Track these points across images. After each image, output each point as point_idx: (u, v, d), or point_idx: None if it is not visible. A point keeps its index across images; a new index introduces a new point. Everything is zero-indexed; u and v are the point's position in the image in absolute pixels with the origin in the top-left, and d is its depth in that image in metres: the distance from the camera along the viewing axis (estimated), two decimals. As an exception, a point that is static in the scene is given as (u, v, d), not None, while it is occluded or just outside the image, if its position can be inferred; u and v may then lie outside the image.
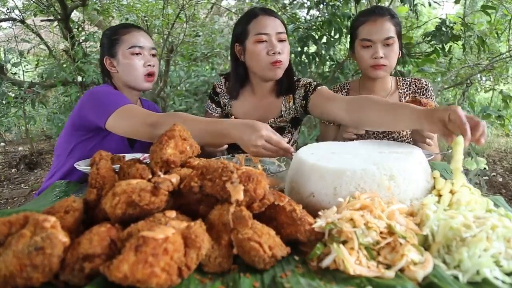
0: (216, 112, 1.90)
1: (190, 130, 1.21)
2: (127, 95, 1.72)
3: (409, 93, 1.83)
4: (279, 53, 1.60)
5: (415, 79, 1.87)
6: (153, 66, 1.70)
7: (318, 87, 1.68)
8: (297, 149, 2.05)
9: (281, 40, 1.63)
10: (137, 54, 1.66)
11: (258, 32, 1.60)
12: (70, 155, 1.69)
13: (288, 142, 1.85)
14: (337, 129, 1.91)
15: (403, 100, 1.82)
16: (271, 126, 1.77)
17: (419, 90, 1.83)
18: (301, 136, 3.52)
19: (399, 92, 1.85)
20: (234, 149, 1.88)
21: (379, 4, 3.18)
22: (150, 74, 1.69)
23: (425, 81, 1.85)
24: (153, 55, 1.73)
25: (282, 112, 1.79)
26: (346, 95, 1.88)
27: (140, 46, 1.66)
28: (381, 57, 1.69)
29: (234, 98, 1.84)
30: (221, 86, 1.88)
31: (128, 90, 1.74)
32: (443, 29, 2.77)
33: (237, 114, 1.83)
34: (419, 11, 4.03)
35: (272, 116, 1.80)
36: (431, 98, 1.81)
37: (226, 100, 1.87)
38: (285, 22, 1.73)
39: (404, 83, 1.86)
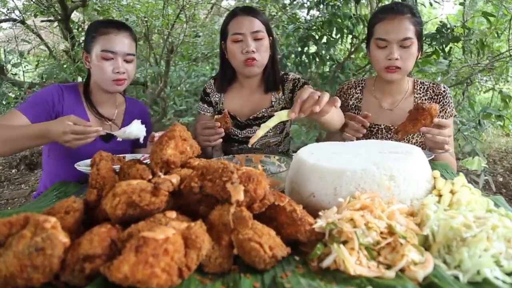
0: (208, 111, 1.95)
1: (8, 137, 1.40)
2: (100, 93, 1.73)
3: (425, 98, 1.73)
4: (253, 51, 1.66)
5: (433, 84, 1.76)
6: (123, 73, 1.63)
7: (305, 85, 1.79)
8: (290, 145, 2.09)
9: (257, 39, 1.68)
10: (109, 58, 1.61)
11: (234, 32, 1.68)
12: (49, 153, 1.75)
13: (281, 132, 1.90)
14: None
15: None
16: (263, 116, 1.84)
17: (436, 96, 1.72)
18: (301, 137, 3.52)
19: (414, 96, 1.75)
20: (227, 141, 1.91)
21: (380, 3, 3.18)
22: (118, 80, 1.64)
23: (444, 87, 1.74)
24: (128, 61, 1.66)
25: (273, 103, 1.86)
26: (360, 94, 1.85)
27: (112, 51, 1.60)
28: (396, 59, 1.58)
29: (223, 92, 1.90)
30: (211, 87, 1.94)
31: (100, 91, 1.72)
32: (443, 31, 2.76)
33: (229, 109, 1.87)
34: (419, 11, 4.03)
35: (263, 108, 1.86)
36: (449, 105, 1.71)
37: (217, 98, 1.93)
38: (268, 22, 1.76)
39: (421, 87, 1.76)
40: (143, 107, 2.01)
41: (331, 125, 1.52)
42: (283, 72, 1.91)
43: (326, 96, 1.18)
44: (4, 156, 1.49)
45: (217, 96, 1.92)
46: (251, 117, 1.86)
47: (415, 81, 1.80)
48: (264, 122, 1.82)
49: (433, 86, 1.75)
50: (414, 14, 1.63)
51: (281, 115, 1.25)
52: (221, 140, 1.61)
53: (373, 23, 1.68)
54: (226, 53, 1.78)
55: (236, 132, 1.89)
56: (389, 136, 1.77)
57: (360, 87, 1.87)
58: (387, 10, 1.64)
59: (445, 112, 1.71)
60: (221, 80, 1.88)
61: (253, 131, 1.87)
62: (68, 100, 1.68)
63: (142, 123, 1.53)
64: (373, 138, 1.79)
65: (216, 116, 1.62)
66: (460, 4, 3.33)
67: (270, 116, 1.83)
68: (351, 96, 1.87)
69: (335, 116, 1.48)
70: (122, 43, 1.63)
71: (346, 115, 1.59)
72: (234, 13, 1.72)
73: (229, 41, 1.71)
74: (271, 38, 1.76)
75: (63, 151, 1.69)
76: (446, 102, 1.72)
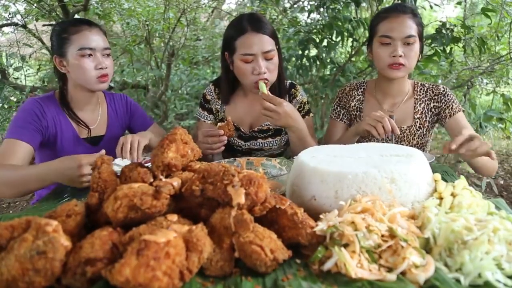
0: (208, 119, 1.89)
1: (13, 180, 1.33)
2: (81, 97, 1.67)
3: (425, 100, 1.74)
4: (264, 72, 1.61)
5: (432, 85, 1.77)
6: (106, 68, 1.59)
7: (307, 116, 1.82)
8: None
9: (268, 59, 1.62)
10: (88, 55, 1.55)
11: (244, 52, 1.60)
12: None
13: (285, 144, 1.88)
14: (345, 127, 1.90)
15: (418, 107, 1.74)
16: (268, 129, 1.82)
17: (435, 97, 1.73)
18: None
19: (414, 98, 1.76)
20: (231, 152, 1.90)
21: (380, 6, 3.20)
22: (103, 76, 1.58)
23: (443, 87, 1.74)
24: (107, 55, 1.61)
25: None
26: (362, 95, 1.85)
27: (90, 48, 1.54)
28: (400, 56, 1.60)
29: (226, 103, 1.85)
30: (211, 93, 1.88)
31: (81, 92, 1.65)
32: (443, 31, 2.77)
33: (231, 118, 1.79)
34: (420, 14, 4.04)
35: (266, 120, 1.78)
36: (453, 102, 1.70)
37: (218, 106, 1.87)
38: (275, 32, 1.70)
39: (421, 89, 1.76)
40: (124, 98, 1.92)
41: (296, 149, 1.56)
42: (290, 82, 1.86)
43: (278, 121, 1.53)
44: (12, 198, 1.45)
45: (218, 104, 1.87)
46: (256, 129, 1.83)
47: (416, 83, 1.80)
48: (269, 135, 1.84)
49: (432, 87, 1.76)
50: (416, 15, 1.66)
51: (263, 88, 1.55)
52: (223, 148, 1.57)
53: (376, 23, 1.70)
54: (232, 65, 1.71)
55: (239, 143, 1.86)
56: (389, 138, 1.77)
57: (362, 89, 1.87)
58: (391, 10, 1.69)
59: (451, 109, 1.70)
60: (225, 92, 1.82)
61: (257, 143, 1.84)
62: (49, 112, 1.61)
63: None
64: (373, 140, 1.78)
65: (219, 124, 1.58)
66: (458, 3, 3.33)
67: (275, 129, 1.83)
68: (353, 97, 1.87)
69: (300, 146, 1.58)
70: (97, 38, 1.57)
71: (373, 115, 1.48)
72: (243, 29, 1.61)
73: (237, 58, 1.63)
74: (277, 47, 1.69)
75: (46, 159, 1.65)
76: (447, 100, 1.72)
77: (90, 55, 1.55)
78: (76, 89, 1.64)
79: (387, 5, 3.41)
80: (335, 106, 1.93)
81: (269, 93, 1.55)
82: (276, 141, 1.85)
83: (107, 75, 1.60)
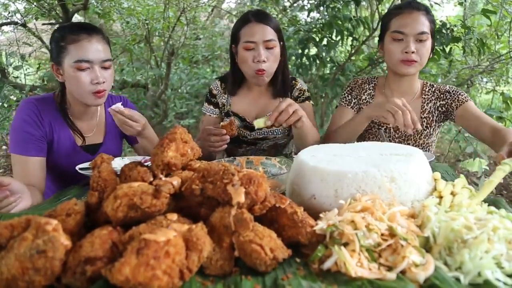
0: (214, 113, 1.96)
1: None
2: (79, 106, 1.59)
3: (433, 99, 1.74)
4: (264, 61, 1.67)
5: (440, 85, 1.77)
6: (103, 82, 1.48)
7: (307, 101, 1.88)
8: (293, 147, 2.09)
9: (268, 48, 1.69)
10: (85, 68, 1.45)
11: (246, 40, 1.69)
12: None
13: (289, 134, 1.93)
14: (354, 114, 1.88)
15: (426, 107, 1.74)
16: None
17: (442, 95, 1.72)
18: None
19: (422, 97, 1.76)
20: (237, 142, 1.92)
21: (380, 5, 3.19)
22: (98, 91, 1.48)
23: (449, 86, 1.75)
24: (106, 67, 1.50)
25: None
26: (373, 90, 1.86)
27: (88, 61, 1.44)
28: (413, 52, 1.60)
29: (232, 95, 1.92)
30: (217, 88, 1.95)
31: (78, 104, 1.58)
32: (443, 31, 2.77)
33: (236, 111, 1.91)
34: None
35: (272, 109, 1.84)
36: (459, 94, 1.68)
37: (224, 100, 1.93)
38: (279, 27, 1.77)
39: (430, 89, 1.76)
40: (125, 102, 1.80)
41: (302, 140, 1.60)
42: (291, 76, 1.92)
43: (300, 112, 1.45)
44: None
45: (224, 97, 1.93)
46: None
47: (425, 83, 1.80)
48: (274, 127, 1.86)
49: (439, 87, 1.76)
50: (429, 12, 1.66)
51: (259, 123, 1.46)
52: (225, 146, 1.62)
53: (389, 19, 1.70)
54: (237, 57, 1.78)
55: (245, 134, 1.91)
56: (396, 135, 1.78)
57: (373, 84, 1.87)
58: (404, 6, 1.68)
59: (458, 100, 1.68)
60: (232, 83, 1.89)
61: (262, 133, 1.90)
62: (46, 117, 1.54)
63: None
64: (380, 136, 1.79)
65: (222, 123, 1.61)
66: (459, 4, 3.33)
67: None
68: (364, 91, 1.86)
69: (308, 135, 1.59)
70: (96, 49, 1.46)
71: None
72: (247, 19, 1.71)
73: (240, 47, 1.71)
74: (281, 43, 1.76)
75: (47, 170, 1.60)
76: (453, 94, 1.70)
77: (87, 68, 1.45)
78: (74, 98, 1.57)
79: (387, 4, 3.42)
80: (346, 94, 1.89)
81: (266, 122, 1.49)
82: (281, 130, 1.90)
83: (104, 91, 1.50)
